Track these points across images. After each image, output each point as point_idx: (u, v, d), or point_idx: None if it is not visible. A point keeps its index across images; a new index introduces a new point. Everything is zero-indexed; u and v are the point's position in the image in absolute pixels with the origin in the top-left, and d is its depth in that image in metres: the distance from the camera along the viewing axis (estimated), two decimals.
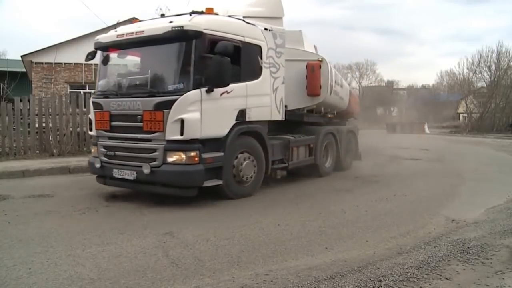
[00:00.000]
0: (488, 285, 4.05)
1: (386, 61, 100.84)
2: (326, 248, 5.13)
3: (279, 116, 9.03)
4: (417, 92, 66.81)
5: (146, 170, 6.98)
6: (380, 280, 4.06)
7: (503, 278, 4.21)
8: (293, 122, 10.32)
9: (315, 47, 11.80)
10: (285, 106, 9.32)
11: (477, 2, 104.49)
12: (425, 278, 4.16)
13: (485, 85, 49.38)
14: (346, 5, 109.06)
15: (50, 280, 3.96)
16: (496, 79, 46.86)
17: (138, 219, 6.34)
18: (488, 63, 48.08)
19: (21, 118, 13.35)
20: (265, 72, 8.49)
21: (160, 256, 4.69)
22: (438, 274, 4.26)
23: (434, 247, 5.14)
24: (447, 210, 7.25)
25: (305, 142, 10.29)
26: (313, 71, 10.23)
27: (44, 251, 4.78)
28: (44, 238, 5.19)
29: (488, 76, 48.48)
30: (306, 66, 10.25)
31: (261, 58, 8.39)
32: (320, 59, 10.38)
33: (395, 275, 4.19)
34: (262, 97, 8.48)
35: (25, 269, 4.21)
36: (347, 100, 13.57)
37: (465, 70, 52.06)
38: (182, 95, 6.91)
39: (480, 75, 49.80)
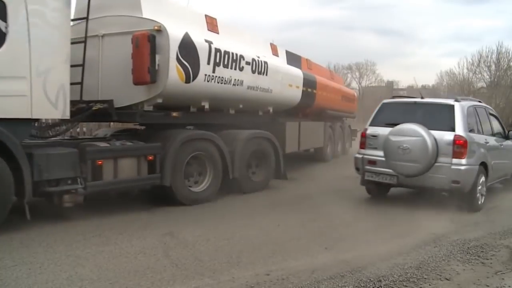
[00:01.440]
0: (488, 285, 4.06)
1: (386, 61, 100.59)
2: (326, 248, 5.14)
3: (55, 113, 6.14)
4: (417, 92, 66.88)
5: None
6: (380, 281, 4.06)
7: (503, 279, 4.22)
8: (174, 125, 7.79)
9: (208, 17, 8.38)
10: (110, 101, 6.91)
11: (477, 2, 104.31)
12: (425, 278, 4.17)
13: (485, 86, 49.47)
14: (345, 5, 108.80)
15: (50, 281, 3.95)
16: (496, 80, 46.91)
17: (137, 219, 6.33)
18: (488, 64, 48.09)
19: None
20: (12, 42, 5.50)
21: (160, 256, 4.68)
22: (438, 275, 4.27)
23: (434, 247, 5.15)
24: (447, 210, 7.24)
25: (135, 152, 6.84)
26: (138, 46, 6.70)
27: (44, 251, 4.77)
28: (44, 239, 5.18)
29: (488, 77, 48.51)
30: (131, 40, 6.79)
31: (5, 21, 5.47)
32: (157, 27, 6.80)
33: (395, 276, 4.19)
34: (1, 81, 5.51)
35: (25, 269, 4.21)
36: (297, 93, 10.95)
37: (465, 71, 52.01)
38: None
39: (480, 75, 49.78)
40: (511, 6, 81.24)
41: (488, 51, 48.08)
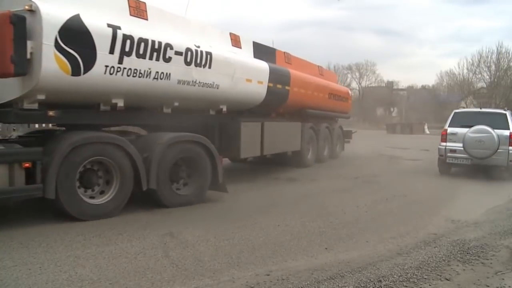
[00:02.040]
0: (488, 286, 4.06)
1: (386, 62, 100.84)
2: (326, 248, 5.13)
3: None
4: (417, 93, 66.83)
5: None
6: (380, 281, 4.06)
7: (503, 279, 4.22)
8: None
9: (132, 1, 7.15)
10: None
11: (476, 2, 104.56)
12: (425, 278, 4.16)
13: (484, 86, 49.55)
14: (344, 5, 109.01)
15: (50, 281, 3.95)
16: (496, 80, 47.05)
17: (137, 219, 6.32)
18: (488, 64, 48.29)
19: None
20: None
21: (160, 256, 4.68)
22: (438, 275, 4.27)
23: (434, 247, 5.15)
24: (447, 210, 7.26)
25: (3, 158, 5.59)
26: None
27: (44, 251, 4.77)
28: (44, 239, 5.18)
29: (488, 77, 48.69)
30: None
31: None
32: (27, 7, 5.58)
33: (395, 276, 4.19)
34: None
35: (25, 269, 4.20)
36: (260, 89, 9.76)
37: (465, 71, 52.25)
38: None
39: (480, 75, 49.99)
40: (509, 6, 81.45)
41: (488, 51, 48.35)
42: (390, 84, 71.61)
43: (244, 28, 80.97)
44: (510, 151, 11.19)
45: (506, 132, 11.31)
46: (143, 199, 7.56)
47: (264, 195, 8.46)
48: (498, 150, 11.03)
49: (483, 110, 12.96)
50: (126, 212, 6.68)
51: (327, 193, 8.85)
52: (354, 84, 69.76)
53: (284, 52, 11.71)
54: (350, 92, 17.35)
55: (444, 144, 12.03)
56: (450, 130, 12.06)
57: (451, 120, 12.41)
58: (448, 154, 11.83)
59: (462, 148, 11.49)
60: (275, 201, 7.85)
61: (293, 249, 5.05)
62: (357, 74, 70.33)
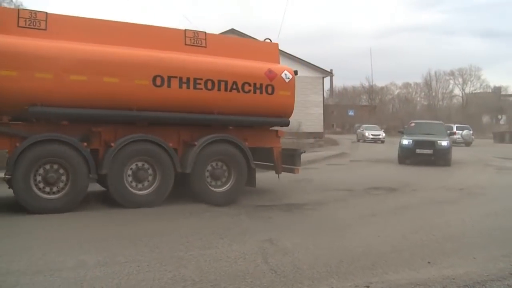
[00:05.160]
0: None
1: (492, 66, 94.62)
2: (429, 262, 4.89)
3: None
4: None
5: None
6: None
7: None
8: None
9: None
10: None
11: None
12: None
13: None
14: (444, 8, 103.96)
15: (156, 279, 4.17)
16: None
17: (237, 225, 6.48)
18: None
19: None
20: None
21: (260, 262, 4.74)
22: None
23: None
24: None
25: None
26: None
27: (150, 251, 5.04)
28: (150, 239, 5.48)
29: None
30: None
31: None
32: None
33: None
34: None
35: (134, 266, 4.47)
36: None
37: None
38: None
39: None
40: None
41: None
42: (497, 89, 67.19)
43: (340, 35, 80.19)
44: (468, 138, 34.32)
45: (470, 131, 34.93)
46: (243, 204, 7.74)
47: (363, 205, 8.28)
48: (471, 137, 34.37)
49: (457, 125, 35.28)
50: (226, 217, 6.89)
51: (429, 205, 8.45)
52: (457, 91, 66.31)
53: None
54: (287, 74, 8.52)
55: (454, 136, 28.52)
56: (457, 131, 32.29)
57: (456, 129, 32.43)
58: (457, 139, 30.57)
59: (461, 137, 32.53)
60: (374, 211, 7.66)
61: (394, 262, 4.87)
62: (460, 80, 66.96)
